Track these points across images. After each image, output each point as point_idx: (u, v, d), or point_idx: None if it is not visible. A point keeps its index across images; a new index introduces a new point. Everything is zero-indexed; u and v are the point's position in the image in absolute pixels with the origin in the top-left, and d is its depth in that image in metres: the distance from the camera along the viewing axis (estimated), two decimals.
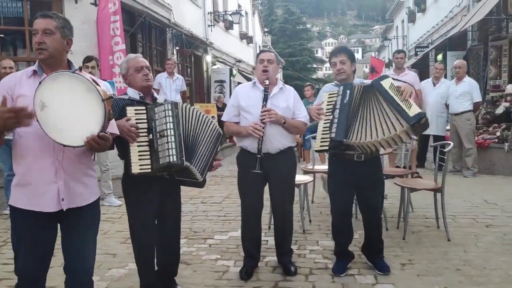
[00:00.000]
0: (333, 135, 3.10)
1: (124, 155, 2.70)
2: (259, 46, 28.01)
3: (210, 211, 5.47)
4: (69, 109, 1.96)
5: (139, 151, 2.62)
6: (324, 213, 5.19)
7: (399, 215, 4.57)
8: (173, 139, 2.60)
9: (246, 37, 21.99)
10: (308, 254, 3.94)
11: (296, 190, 4.54)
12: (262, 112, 3.23)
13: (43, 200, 2.10)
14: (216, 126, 2.97)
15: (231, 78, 15.57)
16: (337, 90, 3.30)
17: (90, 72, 5.45)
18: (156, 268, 3.10)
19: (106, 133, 2.03)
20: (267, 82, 3.31)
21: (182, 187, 3.07)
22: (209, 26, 14.96)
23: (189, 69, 13.63)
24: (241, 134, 3.38)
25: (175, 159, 2.57)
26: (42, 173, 2.09)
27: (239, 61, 19.68)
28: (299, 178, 4.86)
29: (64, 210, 2.13)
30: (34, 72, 2.16)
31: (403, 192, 4.42)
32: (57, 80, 1.97)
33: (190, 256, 3.92)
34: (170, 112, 2.66)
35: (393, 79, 3.24)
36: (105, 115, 1.96)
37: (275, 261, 3.66)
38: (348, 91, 3.17)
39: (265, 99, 3.29)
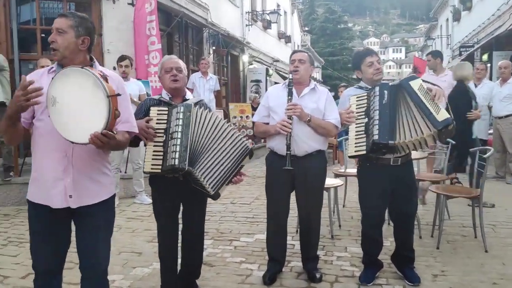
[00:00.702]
0: (375, 137, 2.96)
1: None
2: (298, 46, 27.80)
3: (239, 212, 5.43)
4: (78, 105, 1.94)
5: (154, 151, 2.63)
6: (355, 218, 5.04)
7: (434, 222, 4.36)
8: (178, 142, 2.58)
9: (284, 37, 21.88)
10: (335, 260, 3.82)
11: (326, 193, 4.43)
12: (287, 106, 3.16)
13: (51, 195, 2.11)
14: (242, 141, 2.86)
15: (267, 77, 15.52)
16: (365, 93, 3.21)
17: (123, 72, 5.55)
18: (180, 268, 3.10)
19: (113, 131, 1.98)
20: (290, 76, 3.24)
21: None
22: (246, 25, 14.96)
23: (225, 69, 13.67)
24: (269, 133, 3.32)
25: (176, 162, 2.55)
26: (51, 169, 2.10)
27: (277, 60, 19.59)
28: (330, 181, 4.74)
29: (73, 207, 2.13)
30: (54, 70, 2.17)
31: (438, 199, 4.21)
32: (68, 75, 1.96)
33: (214, 257, 3.88)
34: (181, 114, 2.64)
35: (424, 81, 3.10)
36: (109, 112, 1.91)
37: (301, 267, 3.57)
38: (386, 91, 3.05)
39: (290, 93, 3.21)
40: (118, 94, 1.96)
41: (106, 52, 7.40)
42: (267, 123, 3.38)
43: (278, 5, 20.00)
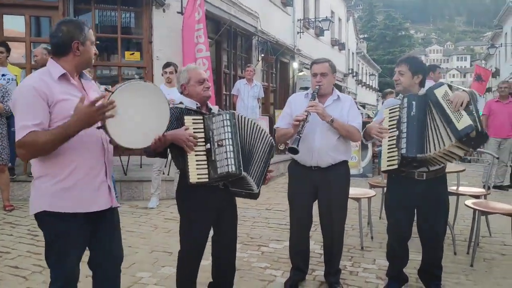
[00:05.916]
0: (403, 151, 2.87)
1: (182, 165, 2.68)
2: (353, 53, 27.46)
3: (272, 219, 5.47)
4: (145, 113, 2.17)
5: (196, 160, 2.59)
6: None
7: (470, 239, 4.17)
8: (231, 149, 2.58)
9: (338, 44, 21.67)
10: (361, 272, 3.77)
11: (357, 204, 4.37)
12: (308, 104, 3.11)
13: (97, 198, 2.16)
14: (268, 137, 2.89)
15: None
16: (397, 105, 3.11)
17: (168, 77, 5.82)
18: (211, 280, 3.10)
19: None
20: (315, 90, 3.24)
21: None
22: (298, 33, 14.97)
23: (274, 76, 13.76)
24: (289, 134, 3.23)
25: (233, 169, 2.55)
26: (94, 173, 2.14)
27: None
28: (362, 191, 4.66)
29: (113, 206, 2.27)
30: (63, 75, 2.08)
31: (474, 214, 4.04)
32: (126, 90, 2.05)
33: (240, 262, 3.93)
34: (228, 122, 2.64)
35: (449, 86, 2.99)
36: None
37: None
38: (414, 103, 2.96)
39: (313, 97, 3.19)
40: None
41: (156, 58, 7.72)
42: None
43: (332, 12, 19.86)
